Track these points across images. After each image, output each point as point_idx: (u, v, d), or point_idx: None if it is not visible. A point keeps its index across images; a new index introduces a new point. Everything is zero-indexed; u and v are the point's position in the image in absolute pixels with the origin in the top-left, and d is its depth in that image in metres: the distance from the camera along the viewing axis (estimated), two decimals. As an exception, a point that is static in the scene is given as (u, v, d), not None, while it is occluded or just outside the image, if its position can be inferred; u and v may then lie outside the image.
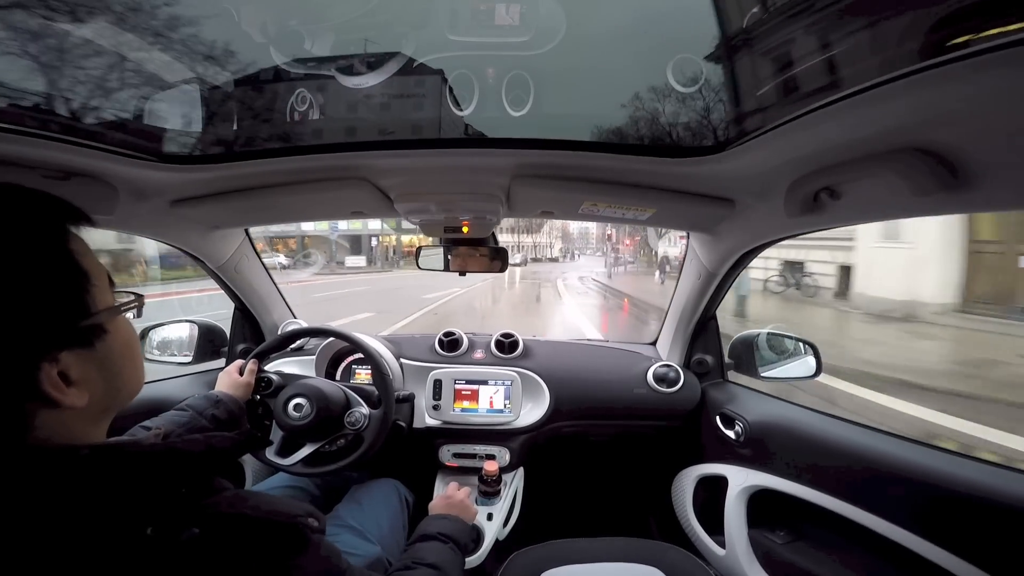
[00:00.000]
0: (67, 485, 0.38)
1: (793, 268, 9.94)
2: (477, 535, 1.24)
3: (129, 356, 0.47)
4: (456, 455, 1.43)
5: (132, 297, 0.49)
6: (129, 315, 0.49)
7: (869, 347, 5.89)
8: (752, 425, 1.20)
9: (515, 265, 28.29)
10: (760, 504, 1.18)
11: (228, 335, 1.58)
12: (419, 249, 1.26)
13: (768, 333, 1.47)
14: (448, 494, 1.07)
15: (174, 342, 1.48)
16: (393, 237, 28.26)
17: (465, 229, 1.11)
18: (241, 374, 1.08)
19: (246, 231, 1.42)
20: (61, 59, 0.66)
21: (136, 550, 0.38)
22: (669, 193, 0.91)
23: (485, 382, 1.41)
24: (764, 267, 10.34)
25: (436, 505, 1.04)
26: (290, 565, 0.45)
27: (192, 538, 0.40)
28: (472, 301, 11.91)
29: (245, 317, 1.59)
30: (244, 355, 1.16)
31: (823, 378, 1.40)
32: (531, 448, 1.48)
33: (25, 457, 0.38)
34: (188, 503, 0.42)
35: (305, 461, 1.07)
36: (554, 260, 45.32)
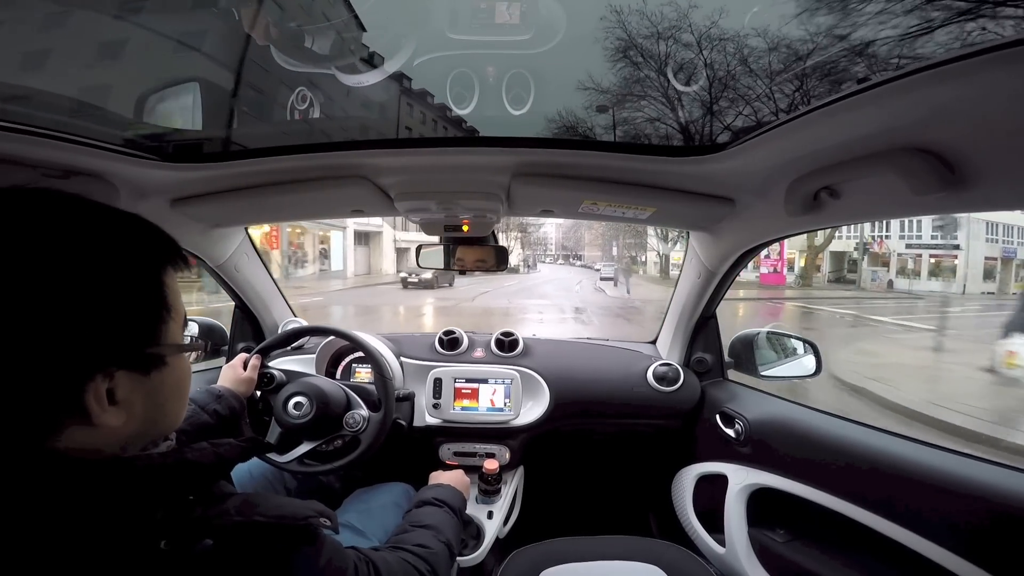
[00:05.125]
0: (79, 498, 0.37)
1: None
2: (477, 532, 1.24)
3: (177, 393, 0.48)
4: (456, 454, 1.43)
5: (200, 343, 0.50)
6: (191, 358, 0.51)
7: None
8: (752, 424, 1.20)
9: (419, 284, 14.70)
10: (760, 503, 1.18)
11: (228, 334, 1.58)
12: (419, 248, 1.26)
13: (768, 332, 1.47)
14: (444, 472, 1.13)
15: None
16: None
17: (465, 228, 1.11)
18: (245, 368, 1.08)
19: (246, 230, 1.42)
20: (62, 57, 0.66)
21: (152, 565, 0.38)
22: (669, 192, 0.91)
23: (485, 381, 1.41)
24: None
25: (433, 476, 1.11)
26: (298, 560, 0.47)
27: (206, 550, 0.40)
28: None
29: (245, 316, 1.59)
30: (246, 352, 1.16)
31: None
32: (531, 446, 1.48)
33: (39, 464, 0.37)
34: (198, 513, 0.42)
35: (301, 459, 1.07)
36: (513, 271, 29.43)
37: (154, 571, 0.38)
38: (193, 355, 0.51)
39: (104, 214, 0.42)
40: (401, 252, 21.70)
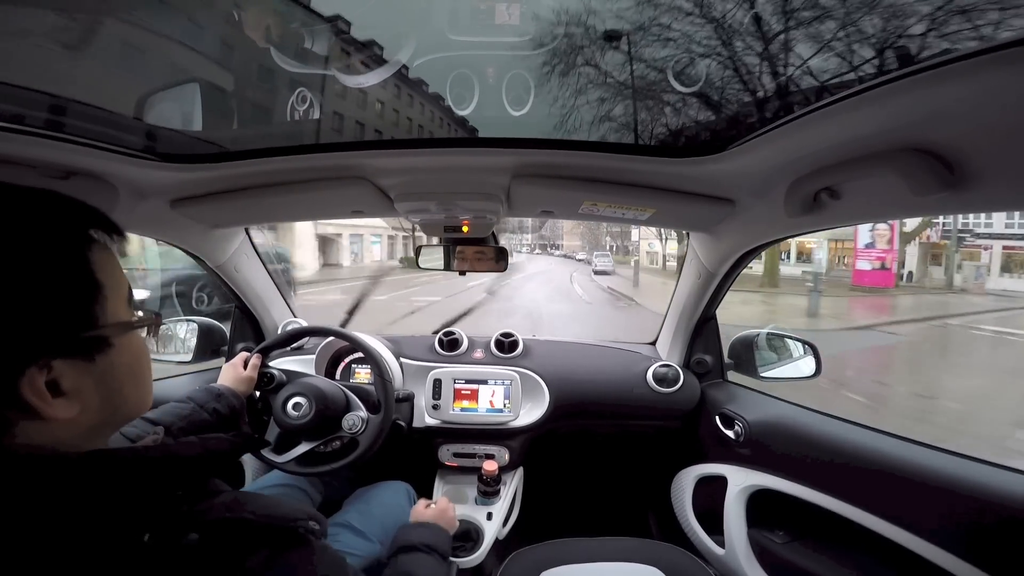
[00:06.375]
0: (58, 492, 0.36)
1: None
2: (477, 534, 1.24)
3: (133, 375, 0.45)
4: (456, 455, 1.43)
5: (148, 316, 0.47)
6: (144, 335, 0.47)
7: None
8: (752, 425, 1.20)
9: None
10: (759, 504, 1.18)
11: (228, 334, 1.58)
12: (419, 248, 1.26)
13: (768, 333, 1.47)
14: (433, 502, 1.06)
15: (174, 341, 1.48)
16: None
17: (465, 228, 1.11)
18: (245, 368, 1.08)
19: (246, 230, 1.43)
20: (62, 57, 0.66)
21: (134, 558, 0.37)
22: (669, 193, 0.91)
23: (485, 382, 1.41)
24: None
25: (417, 511, 1.02)
26: (289, 566, 0.45)
27: (191, 544, 0.39)
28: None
29: (245, 316, 1.58)
30: (246, 352, 1.16)
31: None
32: (531, 447, 1.48)
33: (13, 462, 0.36)
34: (185, 508, 0.41)
35: (299, 460, 1.07)
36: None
37: (136, 564, 0.37)
38: (145, 331, 0.47)
39: (6, 192, 0.38)
40: (327, 241, 16.68)
